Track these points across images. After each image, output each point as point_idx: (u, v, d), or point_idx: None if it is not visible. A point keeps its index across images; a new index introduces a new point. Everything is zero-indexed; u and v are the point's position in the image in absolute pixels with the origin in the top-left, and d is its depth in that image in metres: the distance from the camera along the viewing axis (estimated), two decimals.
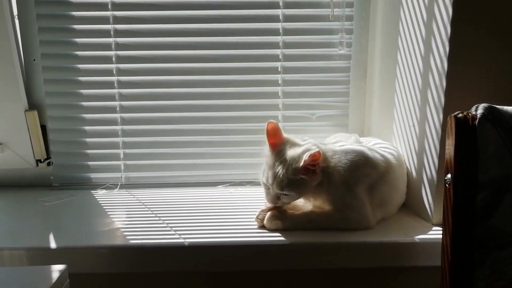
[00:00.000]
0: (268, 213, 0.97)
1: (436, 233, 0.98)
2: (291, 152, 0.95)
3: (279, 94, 1.30)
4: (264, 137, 1.00)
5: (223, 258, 0.94)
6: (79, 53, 1.26)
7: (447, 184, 0.79)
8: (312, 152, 0.91)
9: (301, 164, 0.91)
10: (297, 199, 0.98)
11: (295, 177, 0.92)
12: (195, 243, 0.94)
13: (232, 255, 0.94)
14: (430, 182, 1.02)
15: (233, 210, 1.11)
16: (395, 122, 1.18)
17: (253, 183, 1.30)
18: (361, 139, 1.18)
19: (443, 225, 0.81)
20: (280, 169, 0.93)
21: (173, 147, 1.32)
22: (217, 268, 0.95)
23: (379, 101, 1.28)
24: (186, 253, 0.93)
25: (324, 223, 0.96)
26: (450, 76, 0.94)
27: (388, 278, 1.00)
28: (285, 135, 1.01)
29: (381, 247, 0.95)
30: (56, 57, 1.27)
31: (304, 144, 0.98)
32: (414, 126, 1.08)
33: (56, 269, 0.79)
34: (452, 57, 0.93)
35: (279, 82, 1.29)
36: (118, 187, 1.30)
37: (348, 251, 0.95)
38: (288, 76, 1.29)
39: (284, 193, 0.94)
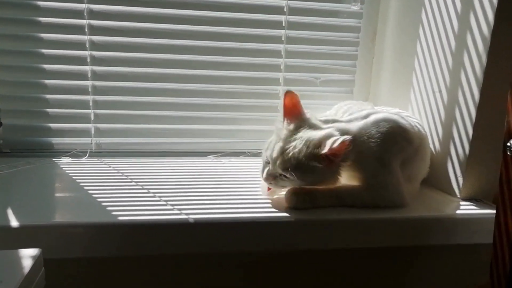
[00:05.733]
0: (291, 189, 0.82)
1: (468, 208, 0.89)
2: (311, 133, 0.81)
3: (282, 53, 1.14)
4: (278, 106, 0.85)
5: (236, 237, 0.78)
6: None
7: (510, 151, 0.69)
8: (343, 139, 0.75)
9: (325, 150, 0.76)
10: (296, 186, 0.82)
11: (307, 162, 0.77)
12: (203, 220, 0.76)
13: (246, 233, 0.78)
14: (460, 154, 0.92)
15: (232, 184, 0.95)
16: (414, 89, 1.06)
17: (248, 153, 1.15)
18: (376, 108, 1.06)
19: (500, 197, 0.71)
20: (292, 147, 0.79)
21: (155, 109, 1.12)
22: (228, 248, 0.78)
23: (391, 66, 1.16)
24: (192, 231, 0.76)
25: (355, 201, 0.83)
26: (497, 33, 0.83)
27: (419, 257, 0.89)
28: (307, 112, 0.86)
29: (413, 224, 0.84)
30: None
31: (326, 127, 0.83)
32: (441, 92, 0.97)
33: (28, 255, 0.59)
34: (501, 12, 0.82)
35: (282, 39, 1.13)
36: (87, 155, 1.09)
37: (377, 228, 0.83)
38: (293, 33, 1.13)
39: (285, 175, 0.79)
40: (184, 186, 0.92)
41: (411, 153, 0.88)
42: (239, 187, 0.93)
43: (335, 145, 0.75)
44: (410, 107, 1.08)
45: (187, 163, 1.08)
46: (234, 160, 1.13)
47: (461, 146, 0.92)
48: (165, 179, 0.96)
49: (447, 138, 0.95)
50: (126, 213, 0.76)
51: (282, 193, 0.85)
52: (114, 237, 0.74)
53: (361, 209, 0.83)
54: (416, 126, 0.92)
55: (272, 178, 0.81)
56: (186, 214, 0.77)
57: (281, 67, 1.15)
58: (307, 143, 0.79)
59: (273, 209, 0.82)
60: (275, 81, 1.16)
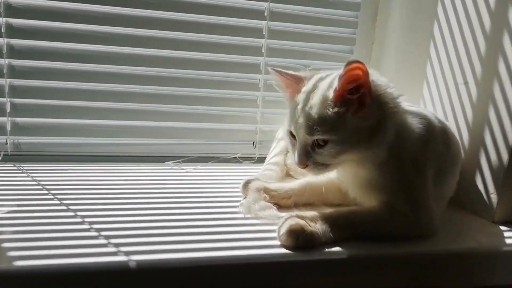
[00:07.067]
0: (286, 222, 0.58)
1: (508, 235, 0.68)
2: (324, 81, 0.64)
3: (264, 33, 0.90)
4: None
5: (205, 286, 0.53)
6: None
7: None
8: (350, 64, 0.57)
9: (334, 87, 0.59)
10: (340, 155, 0.61)
11: (329, 110, 0.59)
12: (151, 263, 0.51)
13: (218, 282, 0.53)
14: (494, 164, 0.71)
15: (197, 202, 0.70)
16: (428, 80, 0.86)
17: (218, 158, 0.91)
18: None
19: None
20: (308, 104, 0.62)
21: (94, 99, 0.85)
22: None
23: (396, 52, 0.95)
24: (134, 281, 0.50)
25: (373, 229, 0.60)
26: None
27: None
28: (309, 72, 0.69)
29: (443, 259, 0.62)
30: None
31: None
32: (467, 83, 0.76)
33: None
34: None
35: (265, 14, 0.89)
36: (1, 159, 0.81)
37: (397, 266, 0.60)
38: (278, 6, 0.90)
39: (316, 138, 0.60)
40: (128, 206, 0.66)
41: (447, 162, 0.68)
42: (207, 207, 0.68)
43: (342, 74, 0.57)
44: (423, 103, 0.87)
45: (136, 172, 0.82)
46: (200, 168, 0.87)
47: (496, 154, 0.71)
48: (102, 195, 0.69)
49: (475, 144, 0.75)
50: (31, 254, 0.50)
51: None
52: None
53: (377, 241, 0.60)
54: (449, 128, 0.71)
55: (306, 158, 0.62)
56: (126, 253, 0.51)
57: (262, 50, 0.91)
58: (323, 90, 0.61)
59: (258, 243, 0.58)
60: (255, 68, 0.92)
